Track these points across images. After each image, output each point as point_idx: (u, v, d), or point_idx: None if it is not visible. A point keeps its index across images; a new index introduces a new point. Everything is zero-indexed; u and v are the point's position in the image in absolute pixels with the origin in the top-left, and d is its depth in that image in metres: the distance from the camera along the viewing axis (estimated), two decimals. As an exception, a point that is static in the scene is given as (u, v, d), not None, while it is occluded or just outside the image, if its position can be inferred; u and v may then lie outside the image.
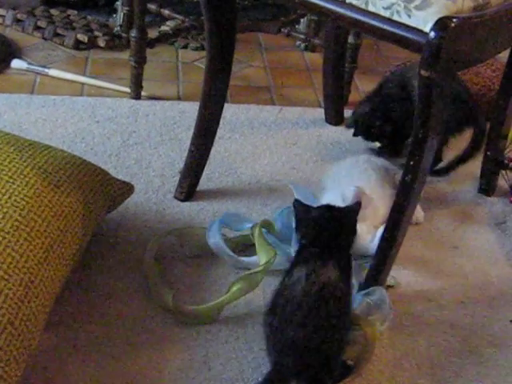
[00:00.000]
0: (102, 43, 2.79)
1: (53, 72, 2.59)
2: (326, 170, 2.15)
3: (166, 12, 2.73)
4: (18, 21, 2.87)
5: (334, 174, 2.05)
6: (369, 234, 1.84)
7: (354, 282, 1.64)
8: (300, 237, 1.56)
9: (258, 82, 2.70)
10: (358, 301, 1.65)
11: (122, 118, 2.37)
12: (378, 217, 1.88)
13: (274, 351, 1.48)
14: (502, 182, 2.19)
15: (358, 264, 1.73)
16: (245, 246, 1.85)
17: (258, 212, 2.01)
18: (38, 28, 2.84)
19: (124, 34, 2.80)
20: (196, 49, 2.86)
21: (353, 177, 1.99)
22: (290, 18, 2.78)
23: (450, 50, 1.48)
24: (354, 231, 1.57)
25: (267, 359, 1.51)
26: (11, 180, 1.56)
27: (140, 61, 2.45)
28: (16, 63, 2.62)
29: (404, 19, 1.54)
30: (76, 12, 2.95)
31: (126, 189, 1.85)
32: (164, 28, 2.89)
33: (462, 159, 2.20)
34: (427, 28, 1.50)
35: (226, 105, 2.02)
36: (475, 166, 2.19)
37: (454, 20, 1.48)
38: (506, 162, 2.15)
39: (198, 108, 1.99)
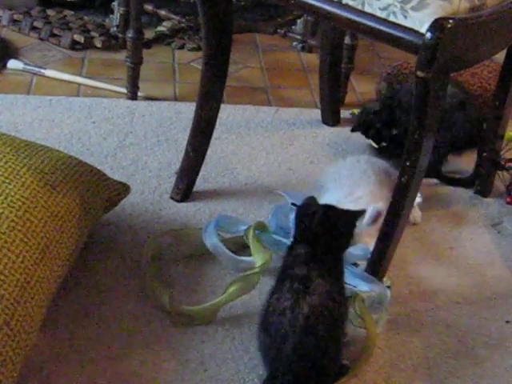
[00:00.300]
0: (98, 44, 2.79)
1: (49, 72, 2.59)
2: (324, 170, 2.14)
3: (163, 12, 2.74)
4: (14, 21, 2.87)
5: (334, 174, 2.04)
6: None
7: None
8: (296, 232, 1.55)
9: (254, 83, 2.70)
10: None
11: (118, 118, 2.37)
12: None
13: (268, 364, 1.49)
14: (498, 182, 2.19)
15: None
16: (242, 247, 1.85)
17: (255, 213, 2.01)
18: (34, 28, 2.84)
19: (120, 35, 2.79)
20: (192, 49, 2.86)
21: (353, 177, 1.98)
22: (287, 19, 2.78)
23: (446, 50, 1.48)
24: (350, 234, 1.56)
25: (263, 361, 1.51)
26: (7, 181, 1.56)
27: (136, 61, 2.45)
28: (12, 63, 2.61)
29: (400, 20, 1.54)
30: (72, 12, 2.95)
31: (123, 189, 1.85)
32: (160, 28, 2.89)
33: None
34: (423, 29, 1.50)
35: (222, 105, 2.02)
36: (471, 167, 2.20)
37: (451, 21, 1.48)
38: (502, 162, 2.15)
39: (194, 108, 1.99)
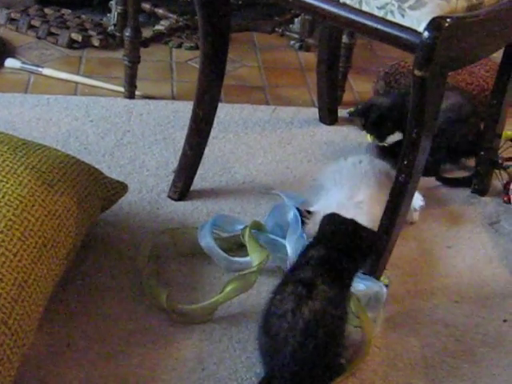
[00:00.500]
0: (96, 42, 2.78)
1: (47, 71, 2.59)
2: (322, 169, 2.14)
3: (160, 11, 2.74)
4: (11, 20, 2.87)
5: (334, 174, 2.03)
6: None
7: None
8: (319, 232, 1.56)
9: (252, 82, 2.70)
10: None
11: (115, 117, 2.37)
12: (374, 222, 1.88)
13: (267, 365, 1.49)
14: (495, 181, 2.19)
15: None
16: (239, 246, 1.84)
17: (252, 211, 2.01)
18: (31, 27, 2.83)
19: (118, 34, 2.79)
20: (190, 48, 2.85)
21: (354, 179, 1.98)
22: (284, 18, 2.78)
23: (443, 49, 1.48)
24: (367, 255, 1.58)
25: (260, 360, 1.52)
26: (4, 179, 1.56)
27: (134, 60, 2.45)
28: (10, 62, 2.61)
29: (398, 19, 1.54)
30: (70, 11, 2.94)
31: (120, 188, 1.85)
32: (158, 27, 2.89)
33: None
34: (421, 28, 1.50)
35: (219, 104, 2.02)
36: (469, 167, 2.20)
37: (448, 20, 1.48)
38: (500, 161, 2.15)
39: (191, 107, 1.99)
